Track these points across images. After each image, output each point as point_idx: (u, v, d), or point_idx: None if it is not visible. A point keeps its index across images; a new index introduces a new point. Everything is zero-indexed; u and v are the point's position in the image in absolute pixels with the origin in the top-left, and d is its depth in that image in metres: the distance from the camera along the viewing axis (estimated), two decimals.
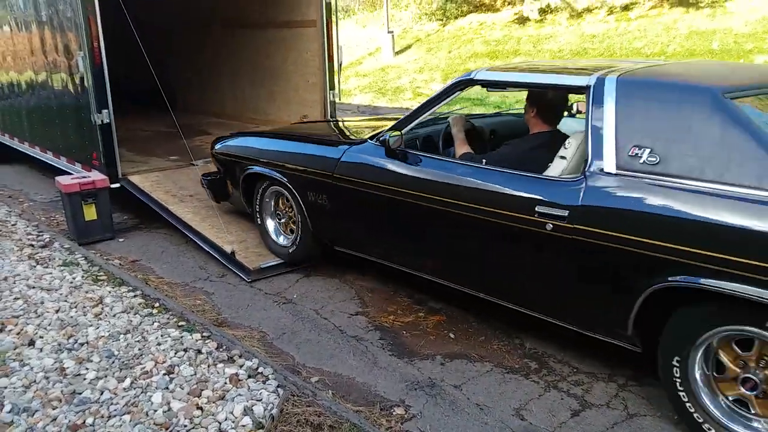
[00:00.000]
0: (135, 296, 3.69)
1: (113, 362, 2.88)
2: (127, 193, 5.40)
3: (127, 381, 2.70)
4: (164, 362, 2.87)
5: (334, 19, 6.61)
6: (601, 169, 2.53)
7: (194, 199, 5.27)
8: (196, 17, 8.37)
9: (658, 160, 2.39)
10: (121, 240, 5.13)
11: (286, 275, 4.33)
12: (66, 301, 3.55)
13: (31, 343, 3.03)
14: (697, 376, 2.38)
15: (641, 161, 2.43)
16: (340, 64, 6.67)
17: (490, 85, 3.33)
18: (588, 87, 2.67)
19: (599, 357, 3.23)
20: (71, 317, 3.34)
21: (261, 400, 2.62)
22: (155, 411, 2.50)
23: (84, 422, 2.43)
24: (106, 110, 5.25)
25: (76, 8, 5.05)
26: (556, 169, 2.83)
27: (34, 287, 3.74)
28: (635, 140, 2.47)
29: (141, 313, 3.47)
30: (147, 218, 5.44)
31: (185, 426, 2.41)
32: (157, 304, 3.62)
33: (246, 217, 5.04)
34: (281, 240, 4.43)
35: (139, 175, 5.62)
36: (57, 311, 3.39)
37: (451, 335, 3.54)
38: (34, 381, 2.71)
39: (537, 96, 3.25)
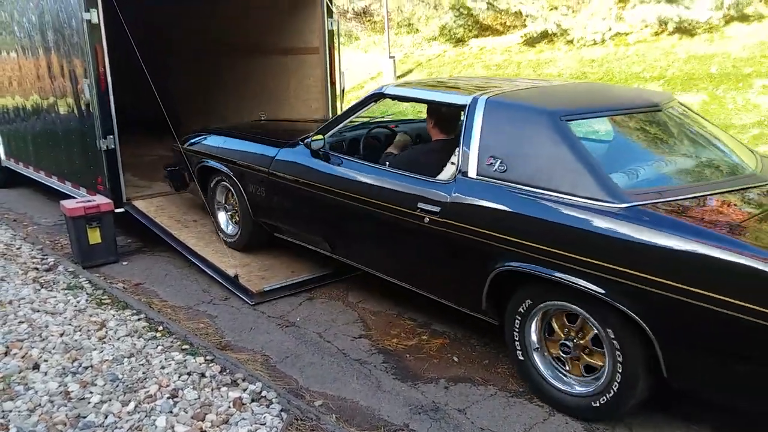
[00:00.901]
0: (139, 320, 3.70)
1: (117, 386, 2.88)
2: (130, 217, 5.44)
3: (131, 405, 2.70)
4: (168, 386, 2.88)
5: (336, 45, 6.72)
6: (466, 175, 3.03)
7: (198, 224, 5.30)
8: (200, 45, 8.50)
9: (505, 168, 2.89)
10: (124, 263, 5.14)
11: (290, 298, 4.34)
12: (70, 324, 3.56)
13: (36, 367, 3.04)
14: (534, 339, 2.95)
15: (494, 169, 2.93)
16: (343, 90, 6.76)
17: (397, 98, 3.76)
18: (465, 106, 3.16)
19: None
20: (75, 341, 3.35)
21: (265, 424, 2.62)
22: None
23: None
24: (111, 136, 5.31)
25: (82, 36, 5.13)
26: (447, 172, 3.22)
27: (38, 311, 3.75)
28: (491, 151, 2.97)
29: (145, 337, 3.48)
30: (150, 242, 5.46)
31: None
32: (160, 328, 3.63)
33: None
34: (229, 230, 4.95)
35: (144, 200, 5.67)
36: (61, 335, 3.40)
37: (455, 358, 3.54)
38: (39, 404, 2.72)
39: (433, 110, 3.73)
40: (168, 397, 2.78)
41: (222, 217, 5.00)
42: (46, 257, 4.95)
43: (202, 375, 3.02)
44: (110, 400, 2.74)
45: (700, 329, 2.32)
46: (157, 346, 3.36)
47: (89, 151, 5.60)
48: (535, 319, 2.91)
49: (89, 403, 2.72)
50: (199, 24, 8.00)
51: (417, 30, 18.35)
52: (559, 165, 2.73)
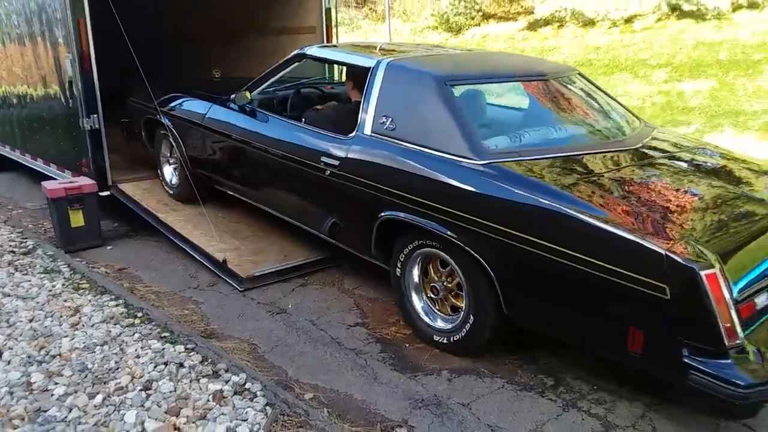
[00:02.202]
0: (117, 305, 3.43)
1: (86, 376, 2.61)
2: (117, 201, 5.16)
3: (99, 397, 2.43)
4: (141, 377, 2.60)
5: (333, 24, 6.42)
6: (363, 132, 3.29)
7: (186, 207, 5.01)
8: (194, 25, 8.18)
9: (395, 127, 3.16)
10: (109, 248, 4.86)
11: (281, 284, 4.06)
12: (42, 310, 3.29)
13: None
14: (413, 280, 3.25)
15: (385, 127, 3.19)
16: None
17: (316, 59, 4.02)
18: (369, 68, 3.38)
19: (620, 374, 2.95)
20: (45, 327, 3.07)
21: (246, 420, 2.35)
22: None
23: None
24: (95, 115, 5.02)
25: (65, 10, 4.83)
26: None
27: (9, 295, 3.48)
28: (385, 111, 3.23)
29: (122, 324, 3.20)
30: (138, 226, 5.17)
31: None
32: (140, 314, 3.36)
33: (240, 225, 4.80)
34: (173, 181, 5.17)
35: (130, 183, 5.38)
36: (30, 320, 3.13)
37: None
38: None
39: (349, 71, 3.97)
40: (140, 390, 2.51)
41: (167, 169, 5.24)
42: (25, 240, 4.67)
43: (180, 365, 2.74)
44: (76, 393, 2.47)
45: (530, 271, 2.63)
46: (134, 333, 3.08)
47: (73, 131, 5.31)
48: (415, 264, 3.22)
49: (53, 395, 2.45)
50: (191, 4, 7.68)
51: (416, 19, 17.98)
52: (438, 125, 3.01)
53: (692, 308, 2.15)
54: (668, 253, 2.15)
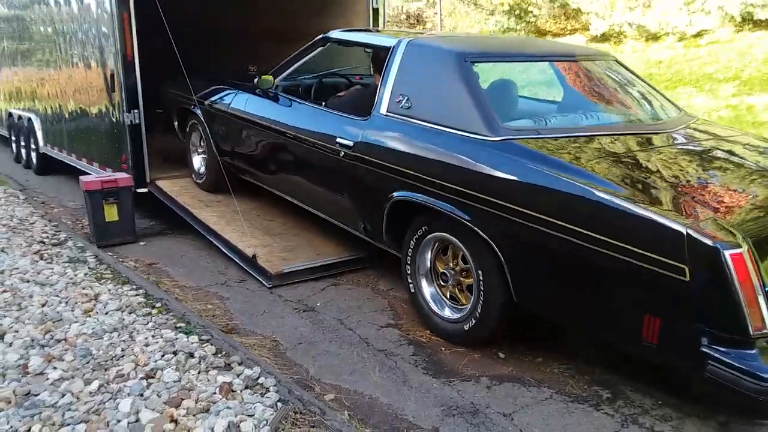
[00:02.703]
0: (136, 295, 3.23)
1: (87, 362, 2.40)
2: (155, 201, 5.05)
3: (95, 384, 2.21)
4: (146, 365, 2.37)
5: (380, 24, 6.24)
6: (379, 112, 3.18)
7: (222, 204, 4.84)
8: (237, 31, 8.16)
9: (410, 105, 3.04)
10: (142, 243, 4.73)
11: (312, 283, 3.79)
12: (57, 296, 3.13)
13: (1, 337, 2.59)
14: (426, 265, 3.07)
15: (401, 106, 3.08)
16: None
17: (339, 42, 3.91)
18: (390, 48, 3.27)
19: (688, 389, 2.53)
20: (56, 312, 2.90)
21: (253, 415, 2.07)
22: (118, 422, 1.99)
23: (29, 429, 1.93)
24: (136, 110, 4.96)
25: (111, 4, 4.83)
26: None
27: (28, 281, 3.34)
28: (402, 90, 3.11)
29: (137, 313, 3.00)
30: (174, 225, 5.05)
31: None
32: (158, 305, 3.15)
33: (274, 223, 4.59)
34: (201, 171, 5.08)
35: (168, 180, 5.27)
36: (43, 305, 2.96)
37: (501, 354, 2.91)
38: None
39: (373, 54, 3.83)
40: (142, 378, 2.27)
41: (196, 160, 5.17)
42: (58, 233, 4.59)
43: (191, 355, 2.50)
44: (72, 378, 2.25)
45: (541, 253, 2.46)
46: (149, 322, 2.87)
47: (115, 129, 5.28)
48: (426, 250, 3.06)
49: (47, 379, 2.24)
50: (237, 11, 7.67)
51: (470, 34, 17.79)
52: (455, 102, 2.88)
53: (714, 292, 1.96)
54: (690, 231, 1.96)
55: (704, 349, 1.99)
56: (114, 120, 5.22)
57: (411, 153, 2.97)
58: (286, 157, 4.00)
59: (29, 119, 7.81)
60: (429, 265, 3.07)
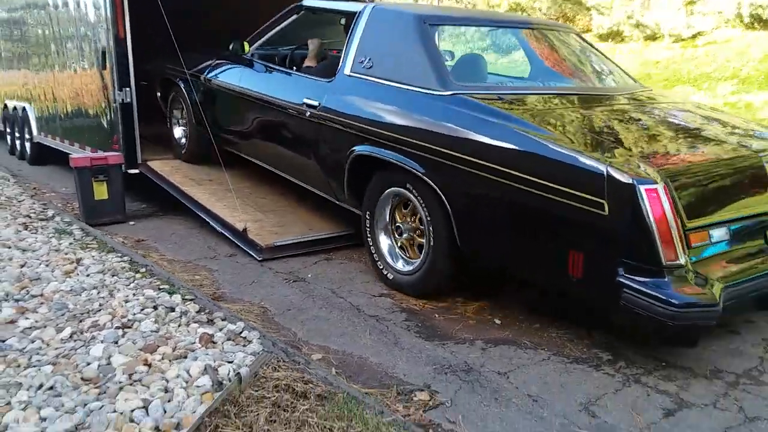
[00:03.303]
0: (120, 261, 3.12)
1: (63, 314, 2.28)
2: (147, 184, 4.95)
3: (67, 331, 2.09)
4: (124, 317, 2.25)
5: None
6: (343, 73, 3.33)
7: (213, 183, 4.74)
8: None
9: (372, 65, 3.18)
10: (132, 223, 4.62)
11: (304, 258, 3.68)
12: (38, 259, 3.02)
13: None
14: (383, 220, 3.16)
15: (363, 66, 3.22)
16: None
17: (312, 10, 3.94)
18: (356, 13, 3.41)
19: (695, 351, 2.42)
20: (35, 272, 2.78)
21: (232, 361, 1.95)
22: (88, 364, 1.87)
23: None
24: (127, 89, 4.86)
25: None
26: None
27: (9, 247, 3.23)
28: (365, 51, 3.25)
29: (120, 275, 2.88)
30: (165, 206, 4.95)
31: (119, 383, 1.76)
32: (143, 270, 3.04)
33: (266, 201, 4.49)
34: (182, 142, 5.15)
35: (160, 161, 5.17)
36: (22, 266, 2.85)
37: (497, 321, 2.80)
38: None
39: (346, 22, 3.73)
40: (117, 327, 2.15)
41: (177, 131, 5.22)
42: (46, 210, 4.48)
43: (171, 309, 2.38)
44: (44, 327, 2.13)
45: (479, 198, 2.60)
46: (131, 283, 2.75)
47: (107, 109, 5.20)
48: (384, 206, 3.14)
49: (18, 327, 2.12)
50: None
51: None
52: (411, 61, 3.03)
53: (630, 224, 2.10)
54: (609, 169, 2.12)
55: (620, 279, 2.11)
56: (105, 99, 5.13)
57: (370, 109, 3.09)
58: (261, 122, 4.06)
59: (23, 108, 7.73)
60: (387, 220, 3.16)
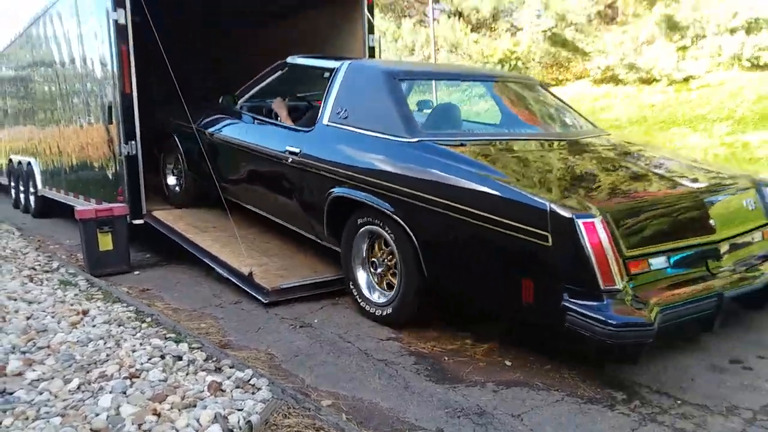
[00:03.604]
0: (126, 311, 3.11)
1: (69, 365, 2.26)
2: (151, 234, 4.97)
3: (75, 382, 2.07)
4: (132, 366, 2.23)
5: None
6: (322, 123, 3.63)
7: (217, 229, 4.76)
8: (245, 64, 8.31)
9: (347, 115, 3.49)
10: (136, 273, 4.63)
11: (310, 302, 3.67)
12: (44, 311, 3.01)
13: None
14: (361, 255, 3.37)
15: (340, 117, 3.53)
16: None
17: (296, 66, 4.31)
18: (334, 69, 3.76)
19: (710, 387, 2.39)
20: (42, 324, 2.77)
21: (242, 409, 1.92)
22: (97, 415, 1.84)
23: (0, 423, 1.79)
24: (133, 141, 4.95)
25: (108, 36, 4.89)
26: None
27: (15, 299, 3.22)
28: (342, 103, 3.57)
29: (126, 325, 2.87)
30: (169, 256, 4.96)
31: None
32: (149, 319, 3.02)
33: (271, 245, 4.50)
34: (177, 189, 5.40)
35: (163, 210, 5.22)
36: (28, 318, 2.84)
37: (507, 362, 2.77)
38: None
39: (326, 77, 4.04)
40: (125, 377, 2.13)
41: (171, 179, 5.45)
42: (50, 262, 4.49)
43: (179, 358, 2.36)
44: (52, 378, 2.11)
45: (442, 233, 2.84)
46: (137, 333, 2.74)
47: (112, 161, 5.27)
48: (361, 242, 3.35)
49: (25, 379, 2.10)
50: (242, 47, 7.82)
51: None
52: (382, 111, 3.34)
53: (571, 254, 2.33)
54: (551, 205, 2.36)
55: (565, 303, 2.33)
56: (111, 152, 5.21)
57: (346, 155, 3.39)
58: (249, 169, 4.33)
59: (28, 163, 7.84)
60: (364, 256, 3.37)
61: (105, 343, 2.54)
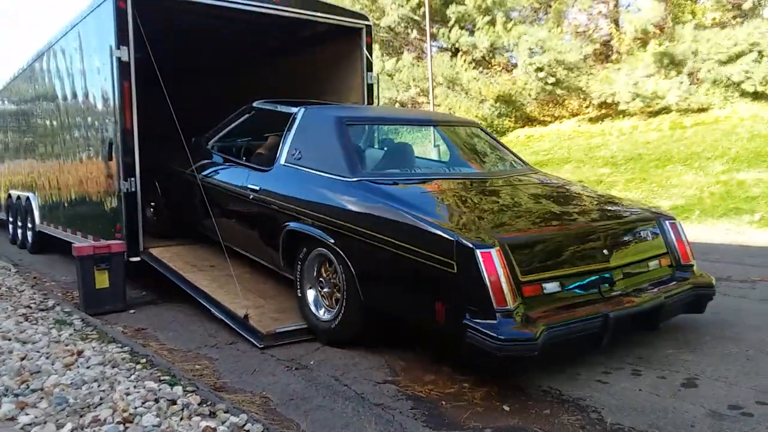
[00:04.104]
0: (120, 352, 3.08)
1: (62, 409, 2.23)
2: (147, 272, 4.96)
3: (68, 427, 2.04)
4: (125, 411, 2.20)
5: (374, 101, 6.44)
6: (279, 163, 4.02)
7: (215, 269, 4.76)
8: (236, 99, 8.42)
9: (301, 156, 3.90)
10: (132, 312, 4.61)
11: (306, 344, 3.65)
12: (38, 352, 2.98)
13: None
14: (310, 278, 3.73)
15: (295, 157, 3.93)
16: None
17: (261, 110, 4.67)
18: (292, 114, 4.18)
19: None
20: (36, 365, 2.74)
21: None
22: None
23: None
24: (132, 178, 4.98)
25: (112, 73, 4.96)
26: None
27: (10, 339, 3.20)
28: (297, 145, 3.99)
29: (121, 367, 2.84)
30: (165, 294, 4.95)
31: None
32: (143, 360, 3.00)
33: (267, 286, 4.49)
34: (154, 218, 5.71)
35: (161, 248, 5.21)
36: (22, 359, 2.81)
37: (506, 407, 2.74)
38: None
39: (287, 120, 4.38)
40: (119, 422, 2.10)
41: (149, 212, 5.73)
42: (46, 300, 4.46)
43: (173, 402, 2.33)
44: (45, 423, 2.08)
45: (373, 262, 3.23)
46: (132, 375, 2.71)
47: (111, 198, 5.29)
48: (311, 267, 3.71)
49: (17, 424, 2.07)
50: (248, 85, 7.92)
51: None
52: (330, 153, 3.72)
53: (471, 279, 2.70)
54: (457, 238, 2.76)
55: (466, 321, 2.69)
56: (110, 189, 5.23)
57: (299, 192, 3.77)
58: (218, 204, 4.63)
59: (27, 198, 7.86)
60: (314, 276, 3.71)
61: (99, 386, 2.51)
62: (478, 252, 2.67)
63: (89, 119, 5.70)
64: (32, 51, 7.59)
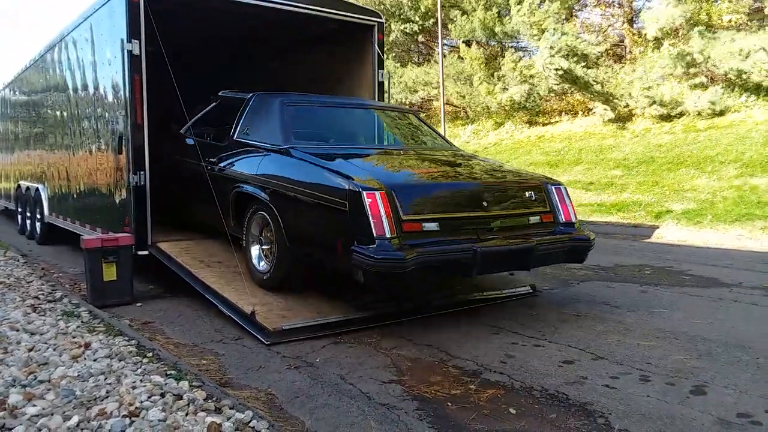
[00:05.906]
0: (128, 345, 3.09)
1: (69, 401, 2.24)
2: (155, 266, 4.97)
3: (74, 420, 2.04)
4: (132, 405, 2.20)
5: (385, 98, 6.42)
6: (232, 139, 4.80)
7: (222, 265, 4.76)
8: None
9: (248, 132, 4.70)
10: (139, 305, 4.62)
11: (312, 341, 3.64)
12: (46, 343, 2.99)
13: None
14: (253, 233, 4.41)
15: (243, 133, 4.75)
16: None
17: (226, 99, 5.31)
18: (246, 98, 4.95)
19: None
20: (44, 357, 2.75)
21: None
22: None
23: None
24: (142, 172, 5.00)
25: (123, 66, 4.97)
26: None
27: (18, 330, 3.21)
28: (246, 123, 4.79)
29: (127, 360, 2.85)
30: (173, 288, 4.96)
31: None
32: (150, 354, 3.00)
33: None
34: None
35: (169, 242, 5.22)
36: (30, 350, 2.82)
37: (512, 410, 2.72)
38: None
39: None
40: (125, 416, 2.11)
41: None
42: (54, 291, 4.48)
43: (179, 397, 2.33)
44: (52, 415, 2.09)
45: (293, 212, 3.93)
46: (138, 368, 2.71)
47: (120, 191, 5.31)
48: (253, 224, 4.38)
49: (24, 414, 2.08)
50: (267, 81, 7.92)
51: (472, 121, 18.30)
52: (270, 127, 4.55)
53: (358, 215, 3.37)
54: (350, 185, 3.46)
55: (353, 248, 3.34)
56: (119, 182, 5.24)
57: (245, 161, 4.50)
58: (188, 181, 5.25)
59: (36, 189, 7.89)
60: (257, 234, 4.35)
61: (105, 379, 2.52)
62: (364, 193, 3.36)
63: (99, 111, 5.72)
64: (44, 42, 7.62)
